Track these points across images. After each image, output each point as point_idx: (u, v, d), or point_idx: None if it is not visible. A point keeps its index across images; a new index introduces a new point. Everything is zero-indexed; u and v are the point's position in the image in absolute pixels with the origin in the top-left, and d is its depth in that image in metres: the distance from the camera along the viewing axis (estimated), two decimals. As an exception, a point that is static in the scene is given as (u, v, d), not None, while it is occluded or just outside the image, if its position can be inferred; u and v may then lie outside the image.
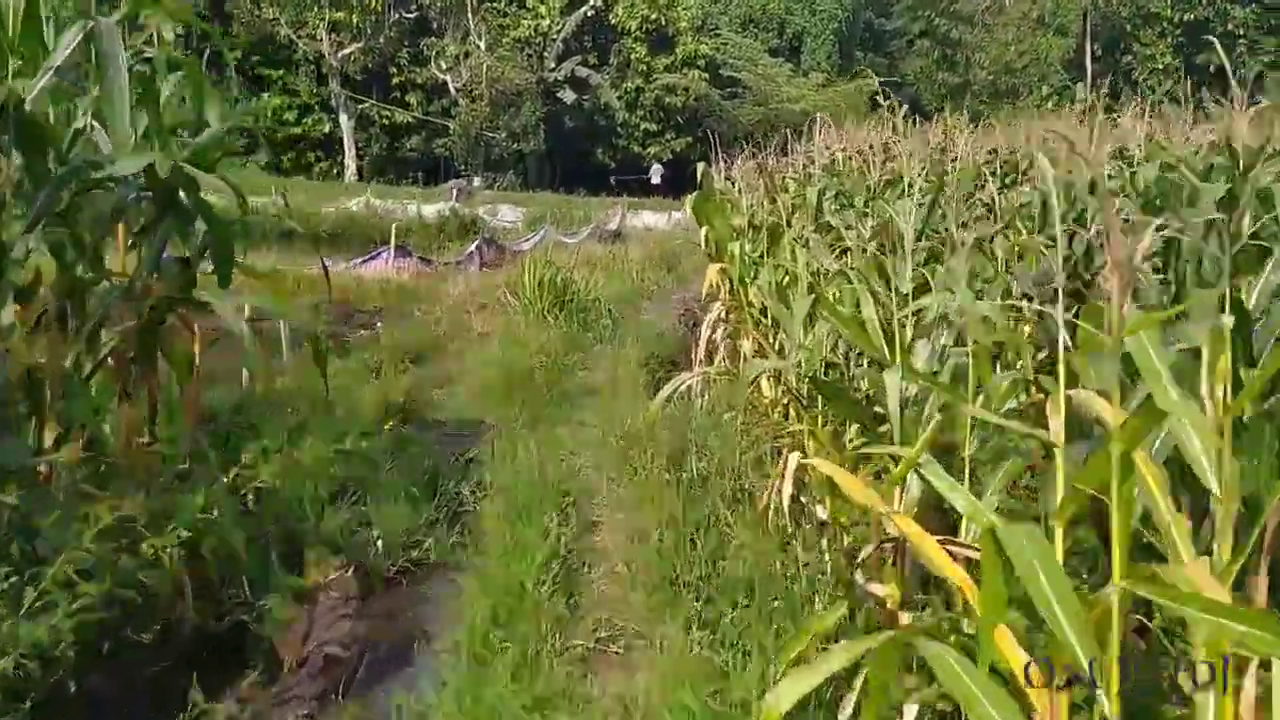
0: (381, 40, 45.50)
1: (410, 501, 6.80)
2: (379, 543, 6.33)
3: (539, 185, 46.14)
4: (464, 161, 45.72)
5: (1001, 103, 53.17)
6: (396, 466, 7.37)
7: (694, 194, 10.08)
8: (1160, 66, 55.87)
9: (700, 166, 10.05)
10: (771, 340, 7.93)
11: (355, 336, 13.57)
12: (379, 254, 17.66)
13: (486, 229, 28.64)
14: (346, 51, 44.88)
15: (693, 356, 10.15)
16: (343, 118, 45.81)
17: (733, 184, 11.65)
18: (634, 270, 17.73)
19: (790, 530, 5.67)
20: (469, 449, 8.29)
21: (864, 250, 7.55)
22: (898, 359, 4.24)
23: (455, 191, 36.23)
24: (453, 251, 21.11)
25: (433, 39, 47.29)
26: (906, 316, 4.47)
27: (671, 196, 41.20)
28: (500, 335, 11.23)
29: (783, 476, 5.96)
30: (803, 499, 6.05)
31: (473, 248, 19.93)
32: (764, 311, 7.83)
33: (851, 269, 5.20)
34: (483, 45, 44.39)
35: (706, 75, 49.29)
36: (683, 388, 7.71)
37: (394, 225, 17.96)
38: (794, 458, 5.79)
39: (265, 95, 48.32)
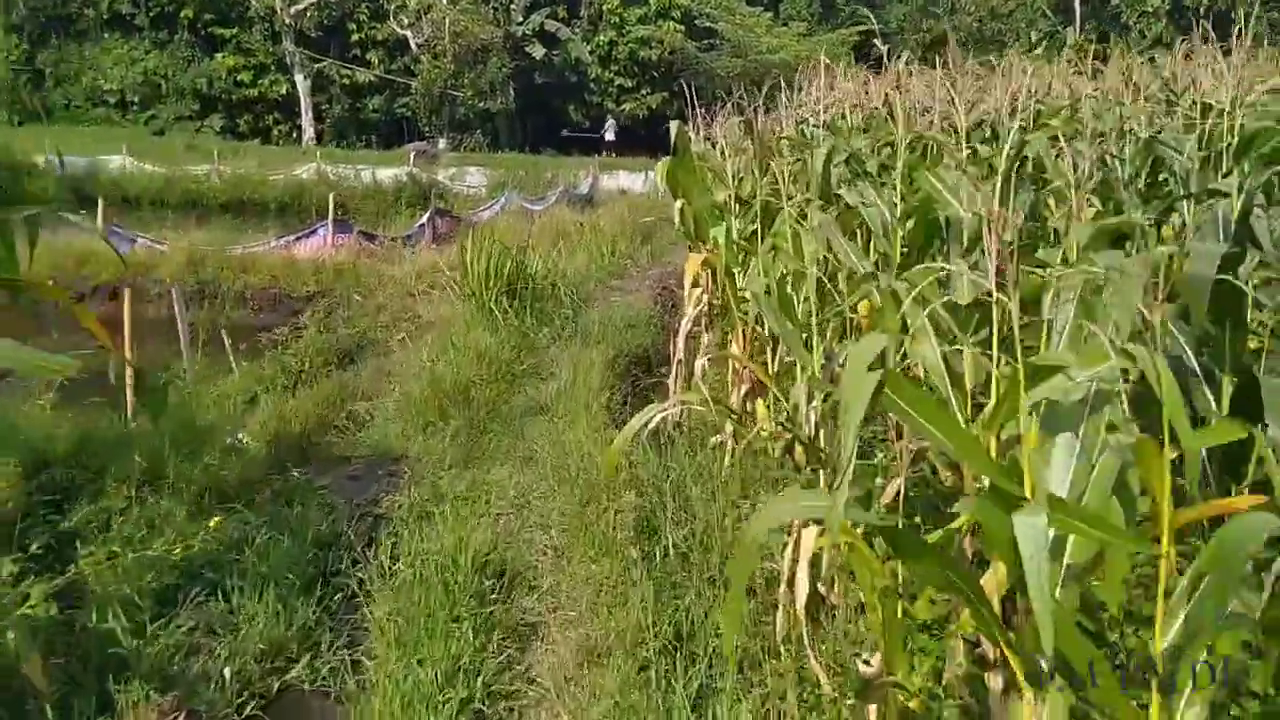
0: (337, -6, 42.94)
1: (282, 598, 4.93)
2: (226, 670, 4.46)
3: (509, 146, 43.85)
4: (427, 122, 43.29)
5: (988, 49, 51.05)
6: (272, 541, 5.49)
7: (666, 159, 8.18)
8: (1149, 9, 53.84)
9: (674, 125, 8.12)
10: (771, 358, 6.06)
11: (280, 330, 11.61)
12: (315, 230, 15.67)
13: (448, 195, 26.59)
14: (300, 7, 42.27)
15: (669, 363, 8.33)
16: (298, 78, 43.27)
17: (714, 146, 9.77)
18: (604, 243, 15.77)
19: (816, 656, 3.87)
20: (380, 497, 6.41)
21: (889, 236, 5.68)
22: (1028, 481, 2.37)
23: (414, 154, 33.96)
24: (403, 224, 19.08)
25: (394, -8, 44.74)
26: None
27: (647, 155, 39.08)
28: (434, 337, 9.30)
29: (795, 561, 4.21)
30: (821, 587, 4.30)
31: (424, 219, 17.88)
32: (759, 320, 5.98)
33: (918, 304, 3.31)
34: (444, -2, 41.92)
35: (682, 27, 46.87)
36: (655, 422, 5.86)
37: (332, 196, 15.90)
38: (810, 535, 4.04)
39: (219, 55, 45.81)
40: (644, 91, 47.32)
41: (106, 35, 46.41)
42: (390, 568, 5.04)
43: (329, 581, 5.28)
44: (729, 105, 9.75)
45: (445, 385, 7.54)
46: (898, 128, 6.61)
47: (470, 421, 7.29)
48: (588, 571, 5.07)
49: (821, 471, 4.73)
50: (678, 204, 8.12)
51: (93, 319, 5.00)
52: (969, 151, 7.82)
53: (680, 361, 8.43)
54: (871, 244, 6.83)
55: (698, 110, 9.67)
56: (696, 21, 47.71)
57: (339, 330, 11.83)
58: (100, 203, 15.57)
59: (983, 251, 4.55)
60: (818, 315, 4.75)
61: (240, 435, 7.50)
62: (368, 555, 5.43)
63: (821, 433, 4.68)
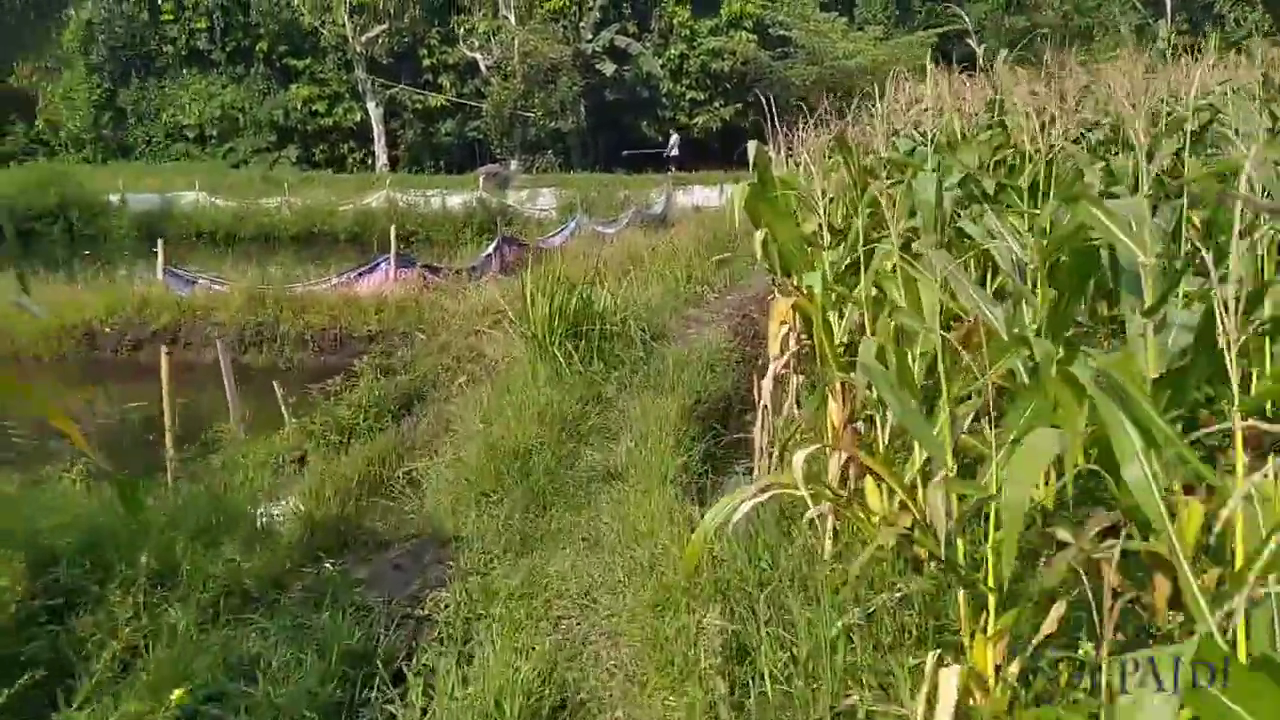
0: (406, 20, 42.77)
1: (296, 743, 4.06)
2: None
3: (582, 165, 43.24)
4: (499, 144, 42.90)
5: (1074, 46, 49.07)
6: (293, 660, 4.64)
7: (743, 183, 7.21)
8: (1245, -4, 51.23)
9: (752, 146, 7.14)
10: (881, 429, 5.05)
11: (336, 377, 10.87)
12: (377, 264, 15.03)
13: (518, 219, 25.96)
14: (371, 34, 42.25)
15: (754, 407, 7.38)
16: (370, 105, 43.26)
17: (798, 166, 8.78)
18: (679, 267, 14.82)
19: None
20: (424, 594, 5.54)
21: (1029, 278, 4.62)
22: None
23: (485, 177, 33.45)
24: (470, 253, 18.41)
25: (463, 16, 44.51)
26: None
27: (720, 168, 38.08)
28: (492, 391, 8.43)
29: (929, 704, 3.28)
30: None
31: (490, 249, 17.17)
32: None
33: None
34: (512, 19, 41.44)
35: (754, 36, 45.84)
36: (741, 511, 4.89)
37: (393, 230, 15.25)
38: (952, 676, 3.14)
39: (294, 86, 46.13)
40: (717, 104, 46.39)
41: (185, 71, 47.06)
42: (424, 705, 4.14)
43: (356, 714, 4.41)
44: (809, 117, 8.78)
45: (503, 450, 6.65)
46: (1023, 139, 5.57)
47: (530, 491, 6.39)
48: (664, 705, 4.11)
49: (956, 578, 3.73)
50: (759, 235, 7.15)
51: (74, 430, 4.13)
52: (1101, 165, 6.72)
53: (766, 408, 7.45)
54: (993, 282, 5.80)
55: (776, 124, 8.66)
56: (769, 30, 46.62)
57: (398, 376, 11.08)
58: (160, 245, 15.15)
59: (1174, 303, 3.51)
60: (946, 389, 3.73)
61: (275, 511, 6.71)
62: (405, 671, 4.55)
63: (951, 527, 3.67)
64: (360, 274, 14.94)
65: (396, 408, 10.25)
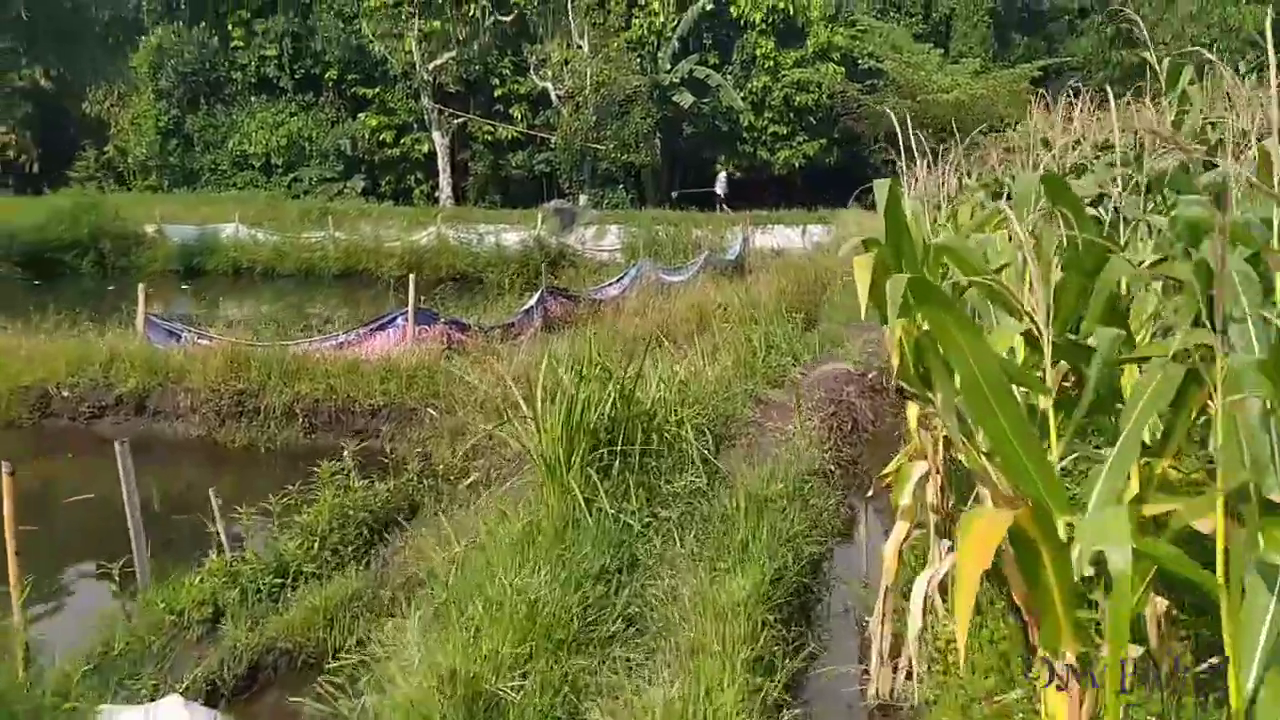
0: (476, 48, 40.84)
1: None
2: None
3: (654, 201, 40.77)
4: (568, 178, 40.58)
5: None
6: None
7: (858, 247, 4.58)
8: (1382, 29, 46.95)
9: (882, 187, 4.44)
10: None
11: (333, 465, 8.30)
12: (393, 318, 12.52)
13: (579, 261, 23.39)
14: (439, 62, 40.38)
15: (869, 626, 4.77)
16: (436, 135, 41.34)
17: (946, 220, 6.11)
18: (756, 332, 12.06)
19: None
20: None
21: None
22: None
23: (552, 212, 31.02)
24: (510, 302, 15.81)
25: (536, 45, 42.51)
26: None
27: (803, 207, 35.23)
28: (462, 570, 5.71)
29: None
30: None
31: (531, 302, 14.54)
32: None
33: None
34: (586, 47, 39.20)
35: (842, 69, 43.07)
36: None
37: (412, 279, 12.70)
38: None
39: (362, 115, 44.52)
40: (799, 139, 43.66)
41: (253, 99, 45.82)
42: None
43: None
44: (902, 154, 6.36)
45: (457, 696, 3.94)
46: None
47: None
48: None
49: None
50: (893, 333, 4.43)
51: None
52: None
53: (887, 591, 4.88)
54: None
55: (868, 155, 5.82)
56: (858, 63, 43.86)
57: (388, 477, 8.48)
58: (141, 289, 12.81)
59: None
60: None
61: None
62: None
63: None
64: (371, 330, 12.45)
65: (370, 531, 7.63)
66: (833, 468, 8.11)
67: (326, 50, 43.96)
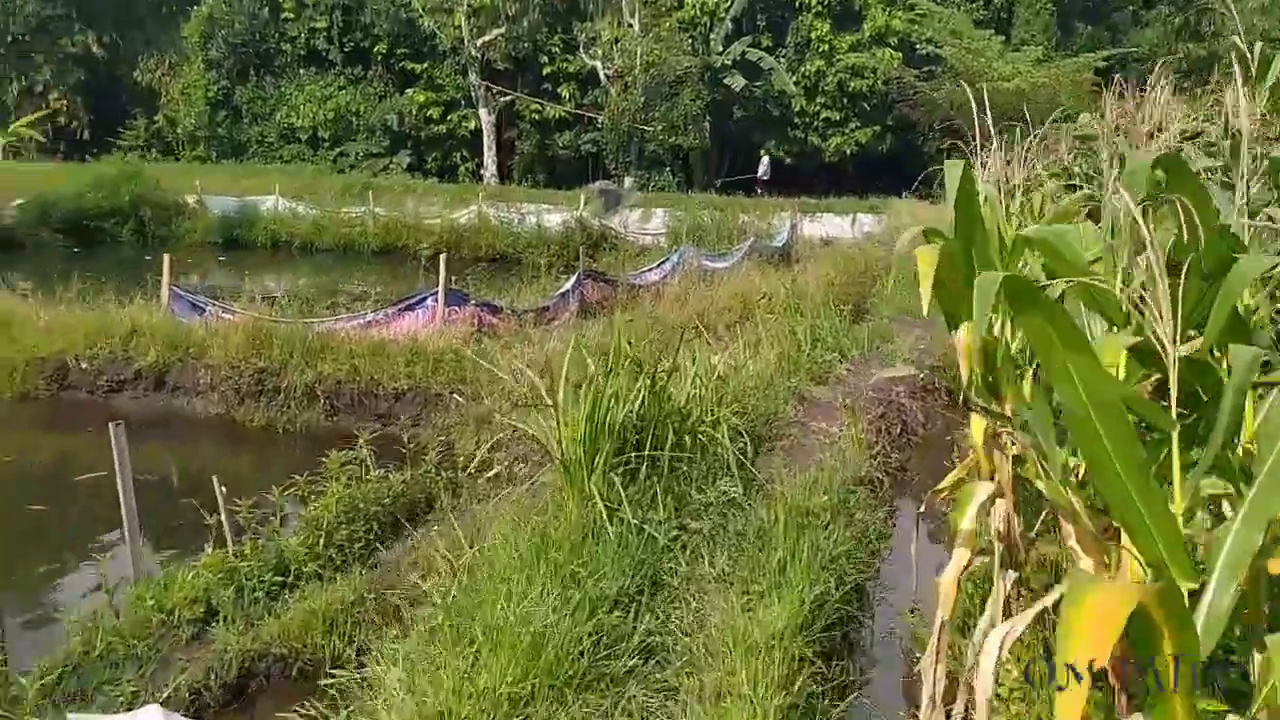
0: (525, 24, 40.25)
1: None
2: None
3: (701, 186, 40.04)
4: (614, 159, 39.92)
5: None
6: None
7: (918, 237, 4.01)
8: None
9: (954, 171, 3.82)
10: None
11: (343, 455, 7.82)
12: (423, 299, 12.02)
13: (621, 244, 22.79)
14: (488, 38, 39.87)
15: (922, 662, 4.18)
16: (482, 112, 40.88)
17: (1020, 207, 5.53)
18: (801, 323, 11.42)
19: None
20: None
21: None
22: None
23: (597, 193, 30.41)
24: (546, 285, 15.24)
25: (587, 23, 41.86)
26: None
27: (854, 195, 34.34)
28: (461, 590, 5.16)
29: None
30: None
31: (568, 285, 13.98)
32: None
33: None
34: (637, 26, 38.50)
35: (899, 54, 41.96)
36: None
37: (443, 259, 12.18)
38: None
39: (410, 91, 44.14)
40: (852, 125, 42.64)
41: (302, 72, 45.62)
42: None
43: None
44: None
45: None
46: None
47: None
48: None
49: None
50: (962, 338, 3.84)
51: None
52: None
53: (943, 625, 4.30)
54: None
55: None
56: (916, 48, 42.71)
57: (404, 468, 7.99)
58: (166, 259, 12.42)
59: None
60: None
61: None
62: None
63: None
64: (401, 310, 11.97)
65: (381, 527, 7.14)
66: (880, 476, 7.48)
67: (376, 24, 43.60)
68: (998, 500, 4.54)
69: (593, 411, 5.56)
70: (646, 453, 5.82)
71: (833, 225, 30.06)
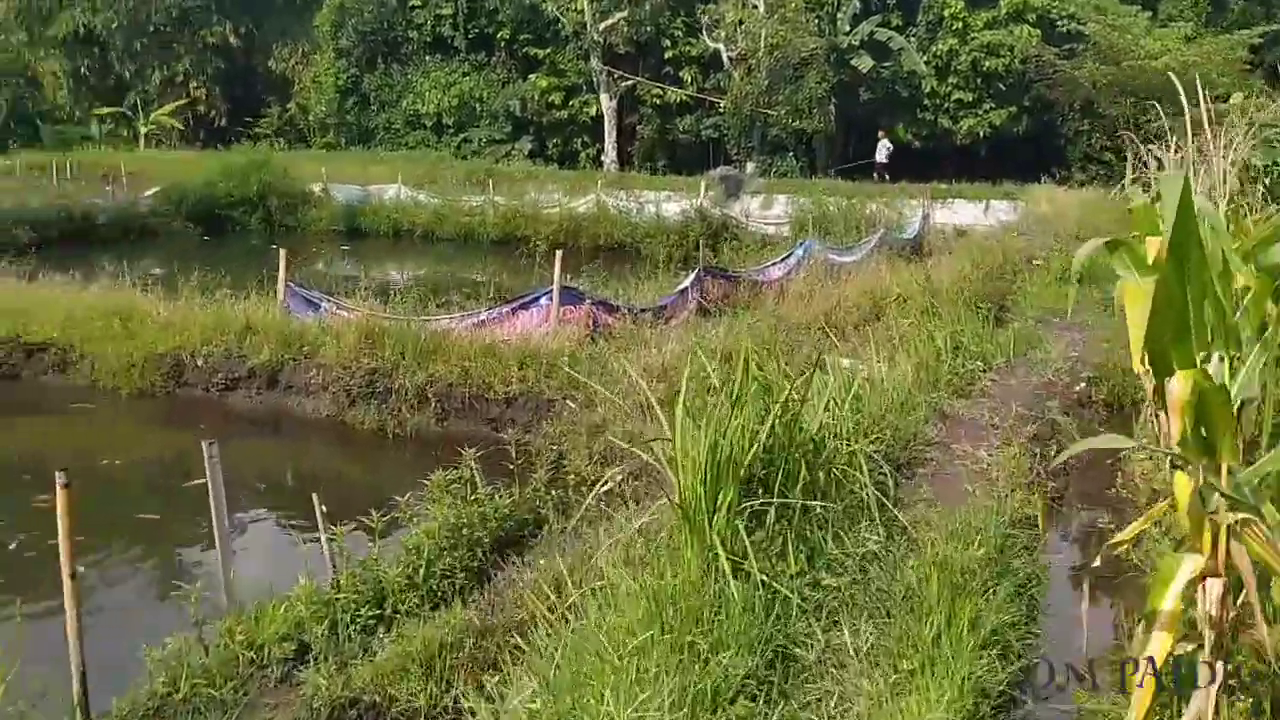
0: (647, 7, 39.63)
1: None
2: None
3: (826, 171, 38.85)
4: (736, 144, 39.00)
5: None
6: None
7: (1099, 247, 3.19)
8: None
9: (1172, 186, 3.03)
10: None
11: (448, 475, 7.41)
12: (535, 298, 11.58)
13: (742, 234, 22.03)
14: (610, 22, 39.44)
15: None
16: (603, 98, 40.48)
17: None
18: (940, 325, 10.56)
19: None
20: None
21: None
22: None
23: (718, 178, 29.62)
24: (664, 281, 14.60)
25: (711, 6, 41.06)
26: None
27: (988, 180, 32.71)
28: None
29: None
30: None
31: (686, 283, 13.33)
32: None
33: None
34: (761, 7, 37.47)
35: (1038, 31, 39.86)
36: None
37: (558, 256, 11.68)
38: None
39: (533, 77, 44.06)
40: (986, 106, 40.74)
41: (427, 58, 46.01)
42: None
43: None
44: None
45: None
46: None
47: None
48: None
49: None
50: (1177, 387, 3.07)
51: None
52: None
53: None
54: None
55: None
56: (1056, 25, 40.53)
57: (511, 484, 7.52)
58: (282, 254, 12.27)
59: None
60: None
61: None
62: None
63: None
64: (515, 309, 11.55)
65: (485, 554, 6.68)
66: (1036, 512, 6.67)
67: (499, 10, 43.61)
68: (1209, 579, 3.77)
69: (715, 446, 4.94)
70: (774, 491, 5.18)
71: (965, 213, 28.68)
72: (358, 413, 10.46)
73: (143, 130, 48.35)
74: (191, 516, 8.59)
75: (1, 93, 52.68)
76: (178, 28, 51.12)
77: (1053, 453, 8.52)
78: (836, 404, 6.41)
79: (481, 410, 10.26)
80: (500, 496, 7.22)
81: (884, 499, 5.44)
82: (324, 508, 6.45)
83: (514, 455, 7.50)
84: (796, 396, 6.05)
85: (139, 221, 25.38)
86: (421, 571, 6.14)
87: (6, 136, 51.25)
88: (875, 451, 6.35)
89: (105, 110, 49.48)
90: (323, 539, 6.34)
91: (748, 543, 4.65)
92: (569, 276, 12.28)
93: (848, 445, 5.99)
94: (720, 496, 4.92)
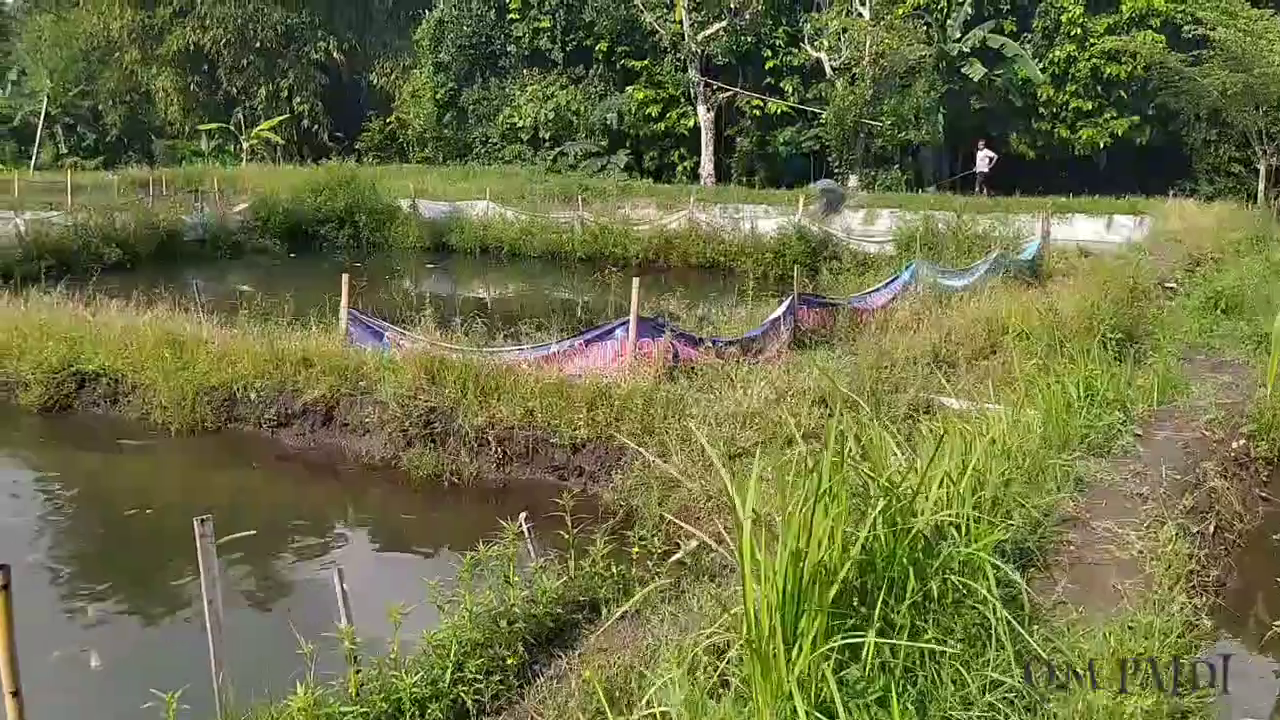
0: (748, 17, 38.51)
1: None
2: None
3: (934, 184, 37.16)
4: (837, 157, 37.53)
5: None
6: None
7: None
8: None
9: None
10: None
11: (492, 550, 6.44)
12: (610, 330, 10.54)
13: (842, 253, 20.72)
14: (708, 32, 38.45)
15: None
16: (701, 110, 39.46)
17: None
18: (1069, 374, 9.17)
19: None
20: None
21: None
22: None
23: (818, 193, 28.31)
24: (754, 310, 13.42)
25: (813, 14, 39.75)
26: None
27: (1107, 193, 30.69)
28: None
29: None
30: None
31: (779, 311, 12.11)
32: None
33: None
34: (867, 15, 36.00)
35: (1162, 37, 37.48)
36: None
37: (636, 284, 10.57)
38: None
39: (630, 89, 43.33)
40: (1107, 115, 38.47)
41: (525, 72, 45.70)
42: None
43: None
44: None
45: None
46: None
47: None
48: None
49: None
50: None
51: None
52: None
53: None
54: None
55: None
56: (1182, 30, 38.07)
57: (569, 553, 6.50)
58: (345, 279, 11.50)
59: None
60: None
61: None
62: None
63: None
64: (590, 341, 10.56)
65: (530, 649, 5.65)
66: (1203, 615, 5.37)
67: (597, 21, 43.00)
68: None
69: (798, 556, 3.84)
70: (873, 605, 4.04)
71: (1084, 228, 26.82)
72: (414, 455, 9.57)
73: (245, 145, 49.11)
74: (227, 581, 7.80)
75: (117, 110, 54.34)
76: (283, 44, 51.88)
77: (1212, 530, 7.16)
78: (952, 480, 5.22)
79: (546, 456, 9.28)
80: (551, 572, 6.19)
81: (1017, 623, 4.23)
82: (346, 586, 5.52)
83: (570, 524, 6.45)
84: (903, 476, 4.90)
85: (228, 238, 25.26)
86: (448, 675, 5.14)
87: (121, 152, 52.72)
88: (1002, 542, 5.15)
89: (212, 126, 50.43)
90: (342, 622, 5.40)
91: (837, 694, 3.53)
92: (656, 298, 11.22)
93: (967, 536, 4.80)
94: (803, 622, 3.80)
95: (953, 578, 4.41)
